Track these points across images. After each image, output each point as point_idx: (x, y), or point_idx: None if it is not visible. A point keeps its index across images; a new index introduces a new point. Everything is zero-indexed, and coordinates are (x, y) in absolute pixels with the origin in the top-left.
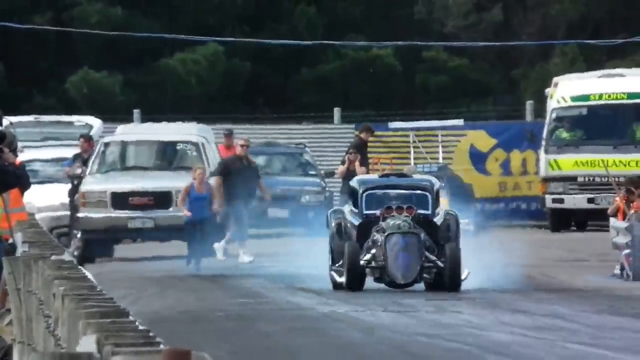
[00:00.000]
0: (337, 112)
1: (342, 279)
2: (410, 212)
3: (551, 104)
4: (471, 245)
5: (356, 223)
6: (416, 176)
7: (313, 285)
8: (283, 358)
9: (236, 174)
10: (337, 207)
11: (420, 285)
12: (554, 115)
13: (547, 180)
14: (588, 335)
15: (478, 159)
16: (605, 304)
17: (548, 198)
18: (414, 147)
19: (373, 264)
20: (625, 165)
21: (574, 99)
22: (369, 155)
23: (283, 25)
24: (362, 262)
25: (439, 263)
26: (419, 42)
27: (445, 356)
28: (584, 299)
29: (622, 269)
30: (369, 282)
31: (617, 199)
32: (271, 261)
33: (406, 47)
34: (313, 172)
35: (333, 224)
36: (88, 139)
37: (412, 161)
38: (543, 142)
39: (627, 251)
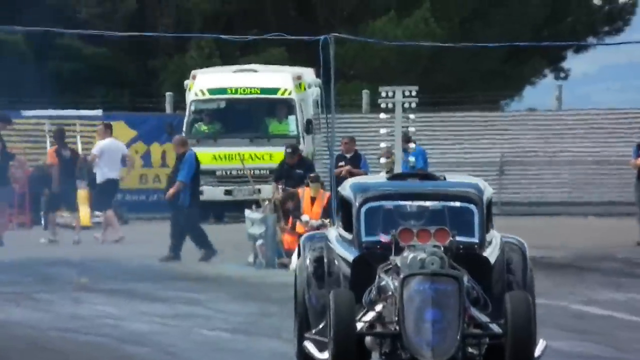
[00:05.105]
0: None
1: (323, 356)
2: (442, 239)
3: (190, 97)
4: (113, 237)
5: (350, 258)
6: (452, 178)
7: None
8: None
9: None
10: (317, 232)
11: None
12: (192, 108)
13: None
14: (222, 320)
15: None
16: (239, 291)
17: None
18: (49, 136)
19: (379, 329)
20: (259, 159)
21: (211, 91)
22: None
23: None
24: (359, 326)
25: (495, 328)
26: (51, 29)
27: (81, 350)
28: (220, 286)
29: (256, 257)
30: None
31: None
32: None
33: (38, 33)
34: None
35: (308, 260)
36: None
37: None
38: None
39: (260, 241)
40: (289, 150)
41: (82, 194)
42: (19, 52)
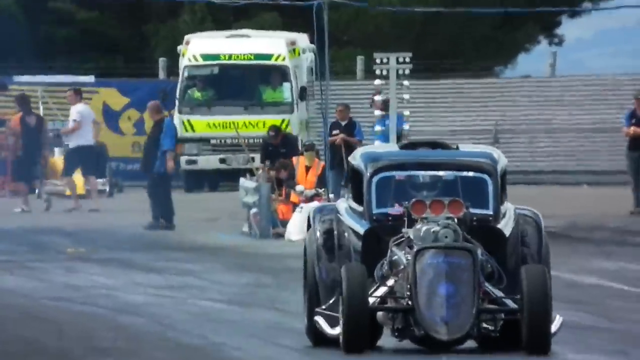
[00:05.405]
0: None
1: (334, 331)
2: (456, 211)
3: (183, 62)
4: (107, 206)
5: (361, 230)
6: (465, 147)
7: None
8: None
9: None
10: (327, 204)
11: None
12: (186, 74)
13: (181, 141)
14: (217, 291)
15: (111, 117)
16: (234, 261)
17: (182, 159)
18: (42, 102)
19: (391, 303)
20: (253, 127)
21: (205, 57)
22: None
23: None
24: (371, 301)
25: (510, 303)
26: None
27: (75, 320)
28: (214, 256)
29: (250, 227)
30: (385, 337)
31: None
32: None
33: None
34: None
35: (318, 232)
36: None
37: None
38: (177, 102)
39: (254, 210)
40: (271, 132)
41: None
42: (10, 16)
